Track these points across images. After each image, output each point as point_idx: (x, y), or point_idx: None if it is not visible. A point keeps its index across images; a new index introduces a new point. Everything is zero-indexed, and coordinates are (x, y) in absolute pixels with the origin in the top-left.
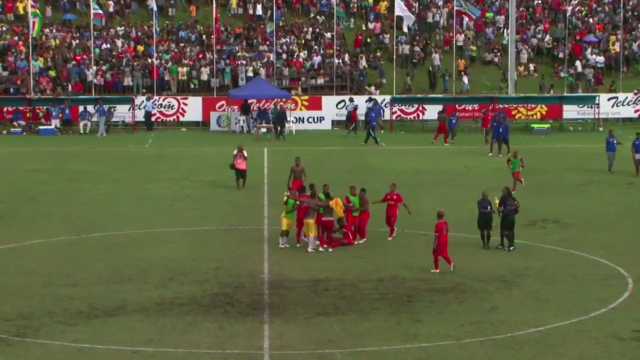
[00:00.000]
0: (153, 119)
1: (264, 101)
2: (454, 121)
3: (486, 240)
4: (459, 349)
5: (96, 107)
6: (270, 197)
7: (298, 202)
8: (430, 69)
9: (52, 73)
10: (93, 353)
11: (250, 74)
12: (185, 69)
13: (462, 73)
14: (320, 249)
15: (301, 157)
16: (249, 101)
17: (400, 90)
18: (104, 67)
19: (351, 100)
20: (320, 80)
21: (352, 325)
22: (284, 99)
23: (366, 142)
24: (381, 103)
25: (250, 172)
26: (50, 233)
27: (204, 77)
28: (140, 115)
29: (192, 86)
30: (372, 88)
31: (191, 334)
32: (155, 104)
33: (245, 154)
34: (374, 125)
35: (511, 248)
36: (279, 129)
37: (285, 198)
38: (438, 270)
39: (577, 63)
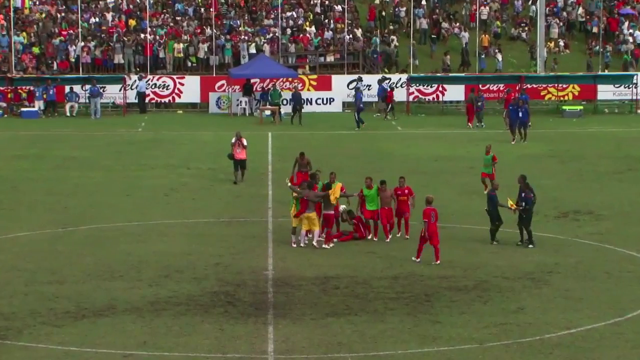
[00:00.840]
0: (146, 100)
1: (267, 81)
2: (479, 103)
3: (492, 235)
4: (482, 353)
5: (89, 87)
6: (275, 187)
7: (295, 194)
8: (464, 45)
9: (36, 50)
10: (81, 357)
11: (253, 50)
12: (181, 45)
13: (496, 50)
14: (325, 245)
15: (309, 142)
16: (252, 81)
17: (436, 70)
18: (92, 43)
19: (360, 79)
20: (330, 58)
21: (365, 327)
22: (291, 79)
23: (359, 127)
24: (397, 83)
25: (253, 158)
26: (34, 225)
27: (202, 54)
28: (132, 96)
29: (189, 64)
30: (386, 72)
31: (188, 336)
32: (149, 84)
33: (245, 143)
34: (362, 107)
35: (527, 241)
36: (279, 112)
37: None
38: (419, 260)
39: (630, 38)
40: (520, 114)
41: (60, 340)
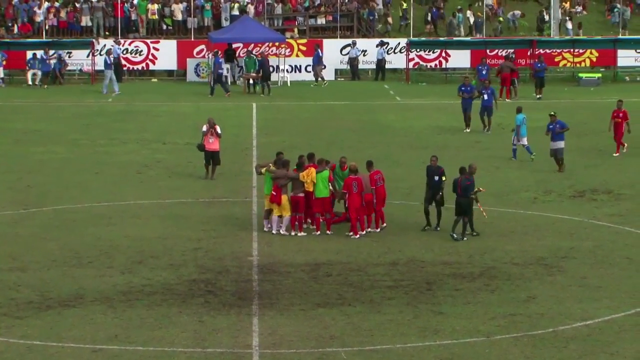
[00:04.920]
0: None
1: (252, 46)
2: (484, 72)
3: (437, 219)
4: (489, 346)
5: (104, 58)
6: (260, 163)
7: (262, 171)
8: (569, 10)
9: None
10: (45, 352)
11: (236, 12)
12: (156, 6)
13: (567, 18)
14: (292, 232)
15: (298, 114)
16: (234, 46)
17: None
18: (57, 3)
19: (354, 44)
20: (321, 20)
21: (360, 318)
22: (278, 44)
23: (212, 93)
24: (395, 48)
25: (236, 131)
26: None
27: (179, 15)
28: (101, 63)
29: (165, 27)
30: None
31: (164, 328)
32: (120, 49)
33: (219, 131)
34: (220, 73)
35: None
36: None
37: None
38: (358, 236)
39: None
40: (486, 97)
41: (23, 334)
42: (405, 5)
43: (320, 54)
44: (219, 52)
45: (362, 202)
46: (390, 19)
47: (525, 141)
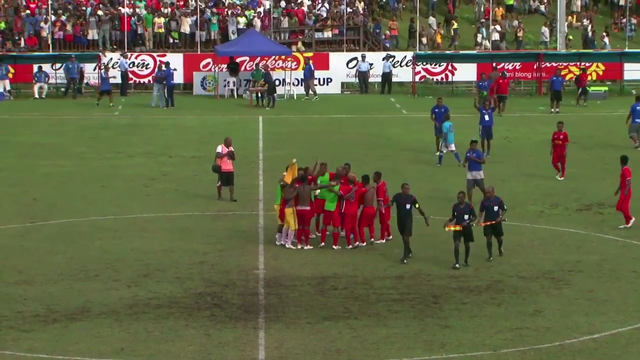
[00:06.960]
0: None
1: (258, 59)
2: (486, 84)
3: (404, 250)
4: None
5: (156, 71)
6: (266, 176)
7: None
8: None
9: (1, 25)
10: None
11: (242, 25)
12: (162, 19)
13: (606, 34)
14: (299, 246)
15: (303, 127)
16: (240, 59)
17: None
18: (63, 17)
19: (363, 57)
20: (328, 34)
21: (366, 331)
22: (284, 57)
23: (167, 105)
24: (401, 61)
25: (243, 144)
26: None
27: (186, 29)
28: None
29: (172, 41)
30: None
31: (171, 342)
32: (127, 63)
33: (233, 152)
34: (172, 84)
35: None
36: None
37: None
38: (361, 244)
39: None
40: (487, 117)
41: (29, 347)
42: (455, 25)
43: (312, 68)
44: (169, 63)
45: (357, 212)
46: (439, 37)
47: (453, 147)
